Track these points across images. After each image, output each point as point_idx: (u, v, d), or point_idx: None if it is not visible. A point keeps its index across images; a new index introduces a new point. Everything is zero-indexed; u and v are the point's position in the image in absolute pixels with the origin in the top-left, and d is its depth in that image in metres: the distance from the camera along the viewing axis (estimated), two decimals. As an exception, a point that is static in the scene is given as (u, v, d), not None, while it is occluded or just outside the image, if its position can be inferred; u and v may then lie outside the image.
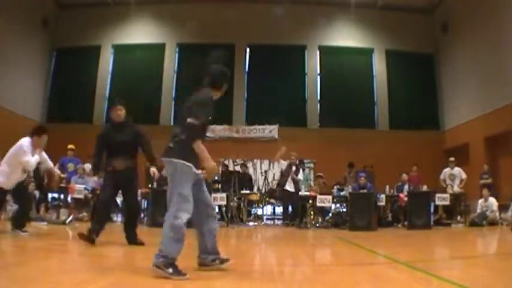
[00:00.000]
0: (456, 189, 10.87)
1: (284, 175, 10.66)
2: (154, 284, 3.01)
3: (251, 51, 16.33)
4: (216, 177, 10.78)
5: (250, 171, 14.68)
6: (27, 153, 5.54)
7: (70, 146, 10.51)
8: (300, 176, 10.55)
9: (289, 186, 10.35)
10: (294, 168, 10.45)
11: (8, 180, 5.66)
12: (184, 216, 3.21)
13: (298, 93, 16.06)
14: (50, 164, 6.13)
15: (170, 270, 3.09)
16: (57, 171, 10.24)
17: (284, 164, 10.62)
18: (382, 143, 14.67)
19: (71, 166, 10.19)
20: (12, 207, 9.33)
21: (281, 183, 10.74)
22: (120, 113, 5.22)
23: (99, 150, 5.31)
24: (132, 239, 5.25)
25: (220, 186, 10.64)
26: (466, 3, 14.08)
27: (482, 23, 13.10)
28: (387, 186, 10.72)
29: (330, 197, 9.65)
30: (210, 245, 3.50)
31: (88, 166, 9.38)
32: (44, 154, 5.99)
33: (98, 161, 5.34)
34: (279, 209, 11.85)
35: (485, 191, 10.39)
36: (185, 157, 3.26)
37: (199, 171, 3.46)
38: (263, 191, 11.95)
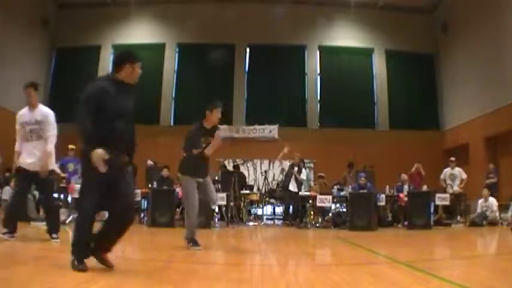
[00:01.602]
0: (456, 189, 10.87)
1: (287, 176, 10.66)
2: (154, 284, 3.01)
3: (251, 51, 16.32)
4: (216, 177, 10.76)
5: (251, 170, 14.75)
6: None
7: (70, 146, 10.48)
8: (303, 176, 10.55)
9: (292, 186, 10.36)
10: (296, 168, 10.45)
11: (22, 156, 5.20)
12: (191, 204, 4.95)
13: (298, 93, 16.05)
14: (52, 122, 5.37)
15: (191, 244, 4.79)
16: (57, 170, 10.30)
17: (286, 164, 10.62)
18: (382, 143, 14.67)
19: (71, 166, 10.17)
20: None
21: (284, 184, 10.75)
22: (140, 72, 3.59)
23: (90, 117, 3.23)
24: (102, 255, 3.43)
25: (219, 186, 10.64)
26: (466, 3, 14.06)
27: (482, 23, 13.09)
28: (387, 186, 10.71)
29: (330, 197, 9.66)
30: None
31: None
32: (44, 111, 5.17)
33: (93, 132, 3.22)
34: (279, 209, 11.86)
35: (485, 191, 10.39)
36: (181, 171, 5.10)
37: (198, 178, 5.02)
38: (263, 191, 11.95)
